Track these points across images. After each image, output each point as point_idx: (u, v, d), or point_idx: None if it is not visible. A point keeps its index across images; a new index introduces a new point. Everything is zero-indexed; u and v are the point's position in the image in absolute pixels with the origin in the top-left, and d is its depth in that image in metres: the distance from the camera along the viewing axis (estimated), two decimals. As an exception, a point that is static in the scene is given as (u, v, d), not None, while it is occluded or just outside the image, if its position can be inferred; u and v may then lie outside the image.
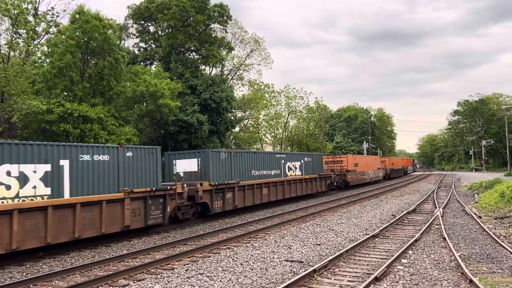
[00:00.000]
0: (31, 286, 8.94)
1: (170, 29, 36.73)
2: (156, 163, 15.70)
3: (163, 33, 38.21)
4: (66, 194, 12.48)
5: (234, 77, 52.67)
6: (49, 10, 30.36)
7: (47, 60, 23.87)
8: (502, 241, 12.43)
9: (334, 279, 8.95)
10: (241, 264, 10.33)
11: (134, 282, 9.02)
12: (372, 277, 8.65)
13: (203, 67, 40.82)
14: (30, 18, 28.61)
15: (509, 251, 11.16)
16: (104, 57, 23.86)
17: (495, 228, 15.06)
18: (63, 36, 23.14)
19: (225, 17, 38.38)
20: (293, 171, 26.45)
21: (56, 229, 11.55)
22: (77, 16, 23.47)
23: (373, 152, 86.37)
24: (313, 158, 29.93)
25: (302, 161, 28.04)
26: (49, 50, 23.61)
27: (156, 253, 11.99)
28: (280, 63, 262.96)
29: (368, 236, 13.17)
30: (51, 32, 27.80)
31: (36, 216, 11.08)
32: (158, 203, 15.13)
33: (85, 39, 23.30)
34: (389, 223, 15.83)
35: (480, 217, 17.78)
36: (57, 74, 22.48)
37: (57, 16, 30.49)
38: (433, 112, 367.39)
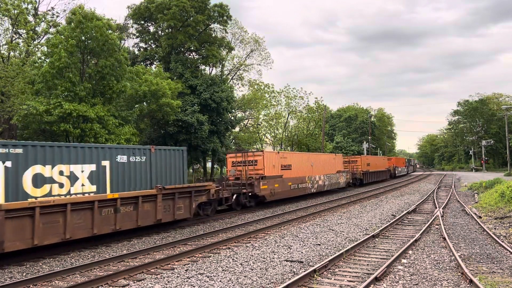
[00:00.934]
0: (31, 286, 8.94)
1: (170, 29, 36.75)
2: None
3: (163, 33, 38.23)
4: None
5: (234, 77, 52.73)
6: (49, 10, 30.42)
7: (47, 60, 23.89)
8: (502, 241, 12.43)
9: (334, 279, 8.95)
10: (241, 264, 10.33)
11: (134, 282, 9.02)
12: (372, 277, 8.65)
13: (203, 67, 40.87)
14: (30, 18, 28.64)
15: (509, 251, 11.16)
16: (106, 57, 23.86)
17: (495, 228, 15.06)
18: (61, 36, 23.13)
19: (225, 17, 38.41)
20: (63, 186, 13.03)
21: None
22: (72, 16, 23.45)
23: (373, 152, 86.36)
24: (151, 156, 16.04)
25: (107, 163, 14.48)
26: (49, 50, 23.63)
27: (156, 253, 11.99)
28: (280, 63, 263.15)
29: (368, 236, 13.17)
30: (51, 32, 27.81)
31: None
32: None
33: (84, 38, 23.29)
34: (389, 223, 15.83)
35: (480, 217, 17.78)
36: (56, 74, 22.49)
37: (57, 16, 30.54)
38: (433, 112, 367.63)
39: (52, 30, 28.46)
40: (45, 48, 25.10)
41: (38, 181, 12.30)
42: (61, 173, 13.05)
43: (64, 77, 22.61)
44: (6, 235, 10.43)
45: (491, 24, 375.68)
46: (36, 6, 29.83)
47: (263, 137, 60.48)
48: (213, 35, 39.39)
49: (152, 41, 40.31)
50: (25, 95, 23.51)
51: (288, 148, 58.45)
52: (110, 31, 24.46)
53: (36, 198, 12.03)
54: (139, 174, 15.52)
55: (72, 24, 23.27)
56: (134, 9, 38.12)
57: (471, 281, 8.36)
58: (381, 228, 14.58)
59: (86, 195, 13.45)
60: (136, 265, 10.04)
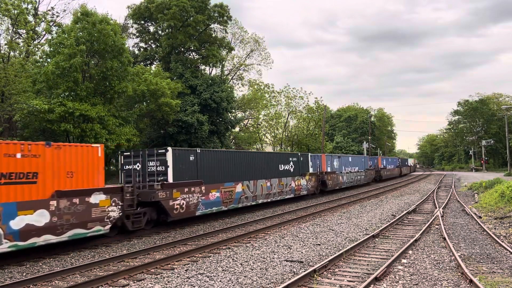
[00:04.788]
0: (31, 286, 8.94)
1: (170, 29, 36.77)
2: None
3: (163, 33, 38.26)
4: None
5: (234, 77, 52.76)
6: (49, 10, 30.47)
7: (49, 60, 23.90)
8: (502, 241, 12.44)
9: (334, 279, 8.95)
10: (241, 264, 10.34)
11: (134, 282, 9.03)
12: (372, 277, 8.65)
13: (203, 67, 40.89)
14: (30, 18, 28.65)
15: (509, 251, 11.16)
16: (112, 60, 23.89)
17: (495, 228, 15.06)
18: (65, 35, 23.14)
19: (225, 17, 38.44)
20: None
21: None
22: (81, 16, 23.50)
23: (373, 152, 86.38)
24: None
25: None
26: (51, 49, 23.64)
27: (156, 253, 11.99)
28: (280, 63, 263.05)
29: (368, 236, 13.17)
30: (54, 32, 27.83)
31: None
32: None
33: (91, 41, 23.33)
34: (389, 223, 15.83)
35: (480, 217, 17.78)
36: (60, 74, 22.52)
37: (57, 16, 30.59)
38: (433, 112, 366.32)
39: (54, 29, 28.48)
40: (47, 48, 25.13)
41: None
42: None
43: (67, 77, 22.59)
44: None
45: (491, 24, 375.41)
46: (36, 6, 29.85)
47: (263, 137, 60.54)
48: (213, 35, 39.41)
49: (152, 41, 40.34)
50: (28, 94, 23.53)
51: (288, 148, 58.49)
52: (119, 35, 24.47)
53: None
54: None
55: (79, 24, 23.30)
56: (134, 9, 38.15)
57: (471, 281, 8.37)
58: (381, 228, 14.58)
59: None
60: (136, 265, 10.05)
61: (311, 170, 29.05)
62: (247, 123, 57.46)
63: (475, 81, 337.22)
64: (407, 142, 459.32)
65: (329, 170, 32.34)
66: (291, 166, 25.80)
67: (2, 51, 26.81)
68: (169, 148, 16.65)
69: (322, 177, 30.64)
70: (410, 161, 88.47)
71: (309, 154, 29.60)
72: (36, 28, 29.06)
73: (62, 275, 9.61)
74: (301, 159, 27.39)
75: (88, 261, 10.87)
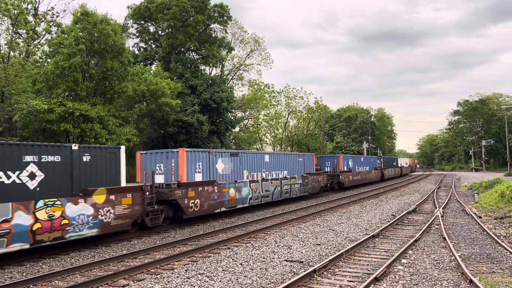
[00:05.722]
0: (31, 286, 8.93)
1: (170, 29, 36.79)
2: None
3: (163, 33, 38.28)
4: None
5: (234, 77, 52.78)
6: (49, 10, 30.48)
7: (49, 60, 23.91)
8: (502, 241, 12.44)
9: (334, 279, 8.95)
10: (241, 264, 10.34)
11: (134, 282, 9.02)
12: (372, 277, 8.65)
13: (203, 67, 40.91)
14: (30, 18, 28.67)
15: (509, 251, 11.16)
16: (112, 60, 23.89)
17: (495, 228, 15.06)
18: (65, 35, 23.15)
19: (225, 17, 38.47)
20: None
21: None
22: (81, 17, 23.51)
23: (373, 152, 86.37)
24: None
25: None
26: (51, 49, 23.64)
27: (156, 253, 11.99)
28: (280, 64, 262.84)
29: (368, 236, 13.17)
30: (53, 32, 27.83)
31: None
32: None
33: (91, 40, 23.33)
34: (389, 223, 15.83)
35: (480, 217, 17.78)
36: (60, 74, 22.51)
37: (57, 16, 30.60)
38: (433, 112, 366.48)
39: (54, 29, 28.49)
40: (47, 48, 25.14)
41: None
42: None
43: (67, 76, 22.58)
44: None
45: (491, 24, 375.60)
46: (36, 6, 29.86)
47: (263, 137, 60.55)
48: (213, 35, 39.43)
49: (152, 41, 40.37)
50: (27, 94, 23.54)
51: (288, 148, 58.51)
52: (114, 33, 24.50)
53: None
54: None
55: (79, 24, 23.31)
56: (134, 9, 38.17)
57: (471, 281, 8.37)
58: (381, 228, 14.58)
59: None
60: (136, 265, 10.04)
61: (134, 181, 17.29)
62: (247, 123, 57.47)
63: (475, 81, 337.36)
64: (407, 142, 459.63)
65: (197, 179, 17.62)
66: (31, 176, 11.33)
67: (2, 51, 26.81)
68: None
69: (171, 195, 15.62)
70: (403, 161, 71.73)
71: (123, 147, 14.33)
72: (36, 28, 29.07)
73: (62, 275, 9.61)
74: (87, 159, 12.89)
75: (88, 261, 10.87)
